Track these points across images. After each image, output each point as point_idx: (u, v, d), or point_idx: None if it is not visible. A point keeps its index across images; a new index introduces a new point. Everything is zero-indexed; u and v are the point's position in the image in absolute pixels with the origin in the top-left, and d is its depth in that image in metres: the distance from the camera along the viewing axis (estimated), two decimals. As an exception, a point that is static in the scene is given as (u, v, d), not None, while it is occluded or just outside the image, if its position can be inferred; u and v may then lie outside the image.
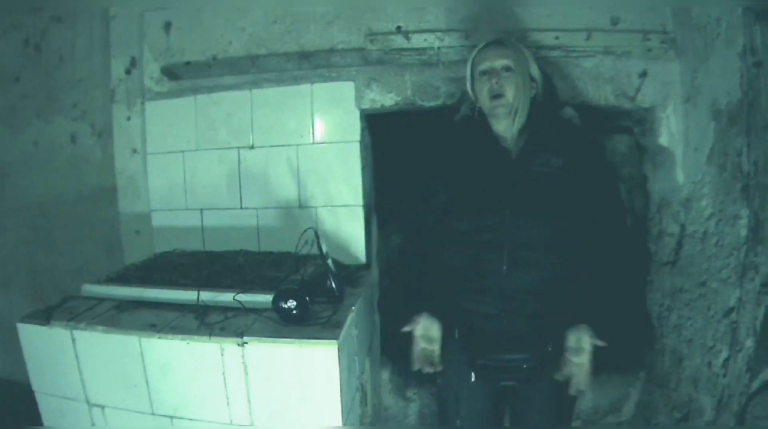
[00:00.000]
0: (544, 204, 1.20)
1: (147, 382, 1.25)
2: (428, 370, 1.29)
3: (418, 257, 1.34)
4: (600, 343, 1.17)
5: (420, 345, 1.28)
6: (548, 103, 1.35)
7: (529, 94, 1.26)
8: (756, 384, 1.37)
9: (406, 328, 1.29)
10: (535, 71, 1.30)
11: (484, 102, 1.28)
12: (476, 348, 1.27)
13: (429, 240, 1.33)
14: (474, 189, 1.25)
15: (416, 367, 1.29)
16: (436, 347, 1.28)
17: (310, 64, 1.72)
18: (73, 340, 1.28)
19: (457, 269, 1.28)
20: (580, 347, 1.18)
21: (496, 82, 1.24)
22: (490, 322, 1.24)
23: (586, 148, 1.27)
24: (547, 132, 1.26)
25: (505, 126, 1.28)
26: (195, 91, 1.81)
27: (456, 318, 1.29)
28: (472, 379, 1.29)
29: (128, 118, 1.92)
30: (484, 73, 1.27)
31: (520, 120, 1.25)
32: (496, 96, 1.24)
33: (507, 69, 1.25)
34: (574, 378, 1.19)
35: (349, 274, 1.62)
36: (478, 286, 1.24)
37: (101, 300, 1.39)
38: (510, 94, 1.24)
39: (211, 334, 1.19)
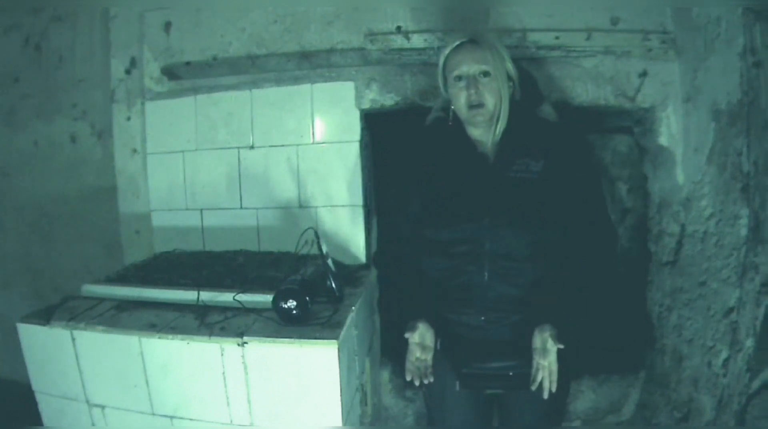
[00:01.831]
0: (524, 211, 1.14)
1: (147, 382, 1.25)
2: (419, 381, 1.19)
3: (393, 266, 1.28)
4: (560, 345, 1.10)
5: (415, 354, 1.19)
6: (525, 101, 1.29)
7: (508, 98, 1.18)
8: (756, 384, 1.37)
9: (408, 335, 1.20)
10: (510, 69, 1.21)
11: (461, 110, 1.20)
12: (460, 357, 1.21)
13: (404, 249, 1.27)
14: (450, 197, 1.19)
15: (409, 377, 1.20)
16: (429, 357, 1.20)
17: (310, 64, 1.72)
18: (73, 340, 1.28)
19: (437, 281, 1.22)
20: (546, 348, 1.12)
21: (475, 92, 1.15)
22: (473, 332, 1.19)
23: (567, 146, 1.21)
24: (525, 134, 1.20)
25: (484, 132, 1.21)
26: (195, 91, 1.81)
27: (438, 327, 1.22)
28: (457, 387, 1.23)
29: (128, 118, 1.92)
30: (459, 78, 1.18)
31: (501, 126, 1.19)
32: (475, 106, 1.16)
33: (485, 74, 1.16)
34: (544, 381, 1.11)
35: (349, 274, 1.62)
36: (459, 298, 1.19)
37: (101, 300, 1.39)
38: (490, 102, 1.16)
39: (211, 334, 1.19)
